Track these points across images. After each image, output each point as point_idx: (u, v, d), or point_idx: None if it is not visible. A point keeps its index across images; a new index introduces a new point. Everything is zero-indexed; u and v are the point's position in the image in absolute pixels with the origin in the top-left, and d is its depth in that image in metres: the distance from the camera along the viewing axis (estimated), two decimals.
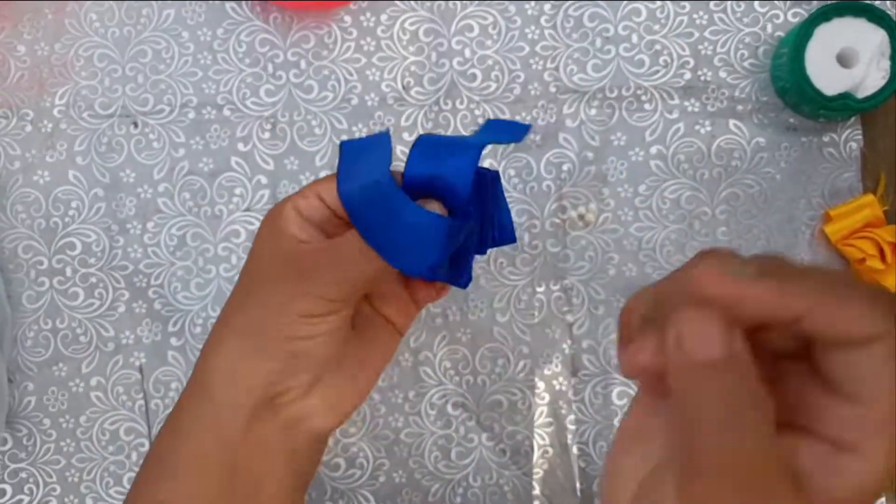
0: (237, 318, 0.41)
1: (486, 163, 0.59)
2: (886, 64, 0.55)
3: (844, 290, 0.26)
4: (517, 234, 0.58)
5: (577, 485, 0.58)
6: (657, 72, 0.59)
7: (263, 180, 0.59)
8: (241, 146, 0.60)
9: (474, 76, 0.60)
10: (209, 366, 0.41)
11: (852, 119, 0.58)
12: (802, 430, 0.27)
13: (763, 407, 0.26)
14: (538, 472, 0.58)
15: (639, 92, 0.59)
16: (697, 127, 0.59)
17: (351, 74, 0.60)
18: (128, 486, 0.59)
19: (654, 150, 0.59)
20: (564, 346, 0.58)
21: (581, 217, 0.59)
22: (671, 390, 0.27)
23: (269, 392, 0.40)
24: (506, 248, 0.58)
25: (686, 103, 0.59)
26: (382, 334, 0.45)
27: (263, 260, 0.41)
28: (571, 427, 0.58)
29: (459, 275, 0.44)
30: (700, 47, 0.59)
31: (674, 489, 0.27)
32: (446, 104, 0.59)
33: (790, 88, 0.57)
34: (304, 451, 0.42)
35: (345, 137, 0.60)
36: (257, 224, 0.59)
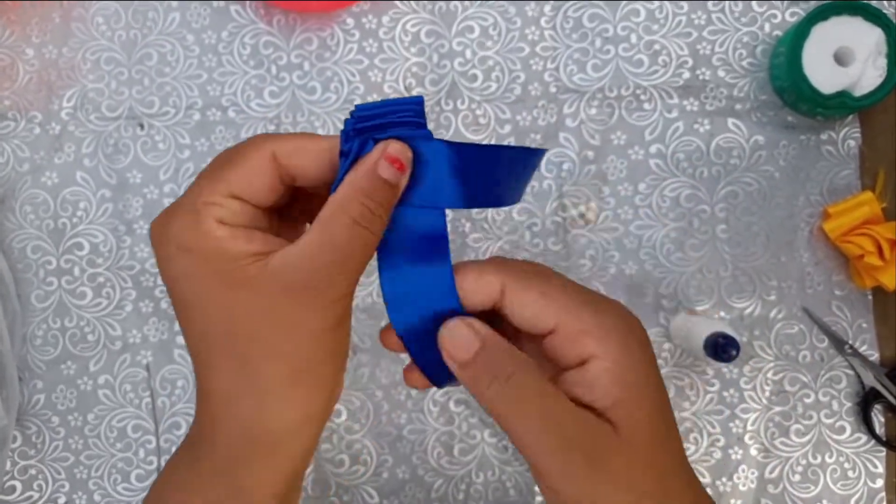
0: (264, 372, 0.33)
1: None
2: (883, 62, 0.56)
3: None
4: (519, 232, 0.59)
5: None
6: (656, 71, 0.60)
7: None
8: None
9: (475, 77, 0.60)
10: (268, 424, 0.34)
11: (850, 117, 0.59)
12: (561, 376, 0.33)
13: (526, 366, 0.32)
14: None
15: (638, 91, 0.60)
16: (696, 126, 0.59)
17: (353, 76, 0.61)
18: (135, 483, 0.60)
19: (653, 148, 0.59)
20: None
21: (582, 215, 0.59)
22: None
23: (331, 409, 0.36)
24: (506, 246, 0.59)
25: (685, 102, 0.59)
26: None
27: (227, 300, 0.32)
28: None
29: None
30: (698, 47, 0.60)
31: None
32: (448, 104, 0.60)
33: (788, 87, 0.57)
34: None
35: None
36: None
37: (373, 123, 0.32)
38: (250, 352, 0.32)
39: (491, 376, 0.32)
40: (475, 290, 0.33)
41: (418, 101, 0.33)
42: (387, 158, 0.31)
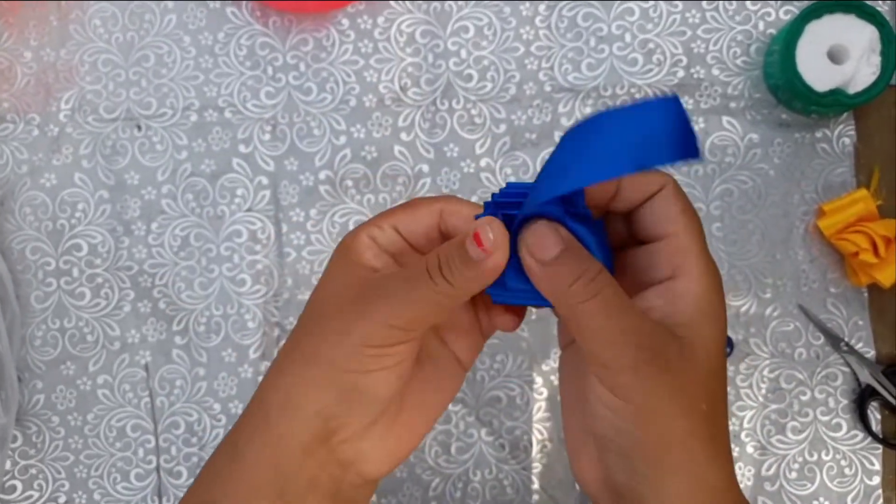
0: (300, 345, 0.38)
1: (482, 162, 0.60)
2: (877, 59, 0.56)
3: None
4: None
5: None
6: (650, 70, 0.60)
7: (264, 181, 0.61)
8: (242, 148, 0.61)
9: (470, 76, 0.60)
10: (267, 390, 0.38)
11: (845, 115, 0.59)
12: (648, 286, 0.35)
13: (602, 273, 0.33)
14: (537, 467, 0.59)
15: (633, 90, 0.60)
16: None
17: (349, 76, 0.61)
18: (135, 482, 0.60)
19: None
20: None
21: None
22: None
23: (325, 427, 0.37)
24: None
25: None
26: (447, 372, 0.40)
27: (333, 287, 0.38)
28: None
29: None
30: (693, 45, 0.60)
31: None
32: (443, 104, 0.60)
33: (782, 85, 0.57)
34: (351, 496, 0.39)
35: (343, 139, 0.61)
36: (259, 224, 0.60)
37: (511, 201, 0.34)
38: (309, 327, 0.38)
39: (573, 276, 0.33)
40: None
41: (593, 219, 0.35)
42: (473, 235, 0.34)
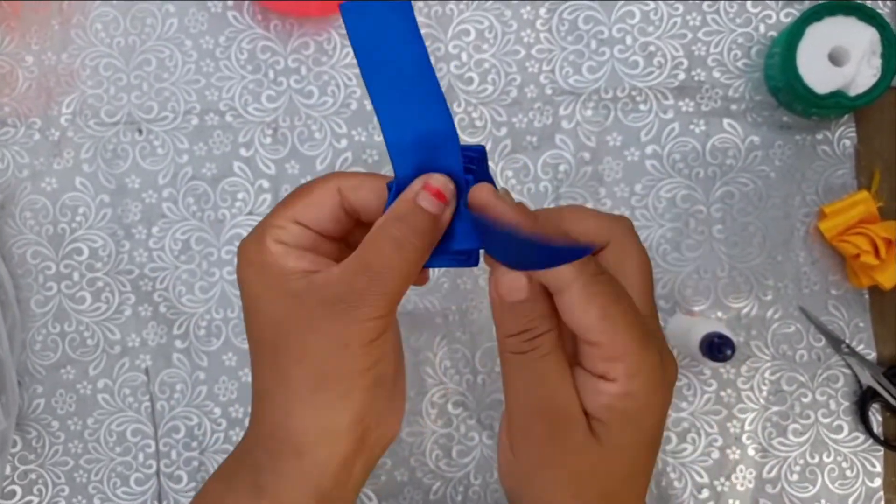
0: (289, 378, 0.36)
1: None
2: (877, 62, 0.56)
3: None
4: None
5: None
6: (651, 73, 0.60)
7: (265, 184, 0.61)
8: (243, 151, 0.61)
9: (471, 79, 0.61)
10: (292, 426, 0.36)
11: (845, 117, 0.59)
12: (580, 367, 0.35)
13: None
14: None
15: (633, 93, 0.60)
16: (692, 126, 0.60)
17: (350, 80, 0.61)
18: (134, 487, 0.60)
19: (649, 149, 0.60)
20: None
21: None
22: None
23: (362, 432, 0.37)
24: None
25: (680, 103, 0.60)
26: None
27: (280, 309, 0.36)
28: None
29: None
30: (693, 48, 0.60)
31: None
32: None
33: (783, 87, 0.57)
34: (377, 460, 0.40)
35: (345, 142, 0.61)
36: None
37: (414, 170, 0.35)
38: (285, 355, 0.36)
39: (518, 327, 0.34)
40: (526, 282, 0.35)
41: (479, 150, 0.36)
42: (427, 189, 0.34)
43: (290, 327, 0.36)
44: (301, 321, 0.35)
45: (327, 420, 0.36)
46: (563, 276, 0.33)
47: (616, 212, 0.59)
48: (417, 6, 0.61)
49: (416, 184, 0.35)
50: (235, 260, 0.60)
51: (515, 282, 0.34)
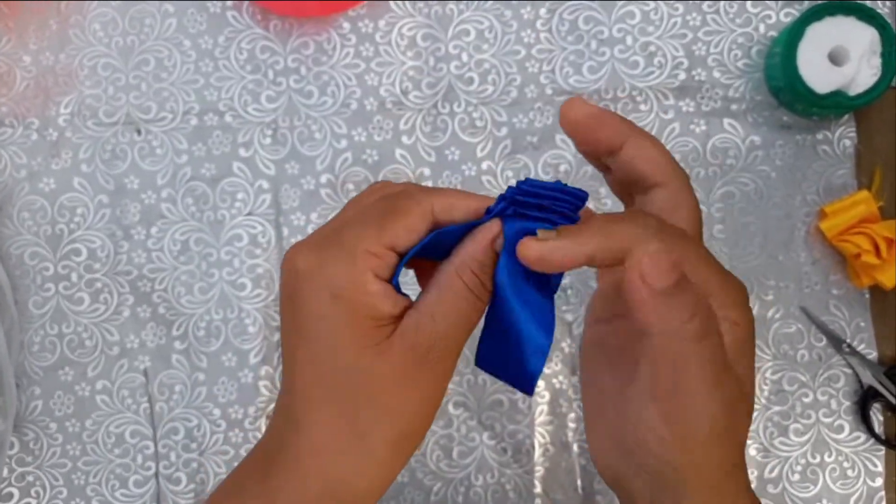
0: (374, 433, 0.33)
1: (483, 165, 0.60)
2: (877, 61, 0.56)
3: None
4: None
5: (579, 482, 0.58)
6: (652, 73, 0.60)
7: (265, 185, 0.60)
8: (242, 151, 0.61)
9: (471, 80, 0.60)
10: (361, 486, 0.34)
11: (846, 116, 0.59)
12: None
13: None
14: (539, 471, 0.59)
15: (634, 93, 0.60)
16: (692, 126, 0.60)
17: (350, 80, 0.61)
18: (133, 489, 0.59)
19: None
20: (564, 344, 0.59)
21: None
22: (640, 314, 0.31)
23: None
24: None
25: (681, 103, 0.60)
26: None
27: (361, 356, 0.32)
28: (572, 425, 0.59)
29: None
30: (694, 48, 0.60)
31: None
32: (444, 107, 0.60)
33: (783, 87, 0.57)
34: None
35: (344, 142, 0.60)
36: (259, 228, 0.60)
37: (529, 200, 0.33)
38: (364, 412, 0.33)
39: (690, 311, 0.31)
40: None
41: (582, 197, 0.33)
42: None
43: (370, 380, 0.32)
44: (385, 376, 0.32)
45: (396, 473, 0.34)
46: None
47: (617, 211, 0.59)
48: (417, 6, 0.61)
49: (495, 226, 0.33)
50: (236, 261, 0.60)
51: (661, 262, 0.31)
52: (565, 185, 0.33)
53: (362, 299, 0.32)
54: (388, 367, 0.32)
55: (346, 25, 0.61)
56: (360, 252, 0.32)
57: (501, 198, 0.33)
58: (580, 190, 0.33)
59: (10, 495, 0.60)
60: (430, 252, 0.34)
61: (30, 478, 0.60)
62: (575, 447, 0.58)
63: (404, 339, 0.32)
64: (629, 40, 0.60)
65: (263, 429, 0.59)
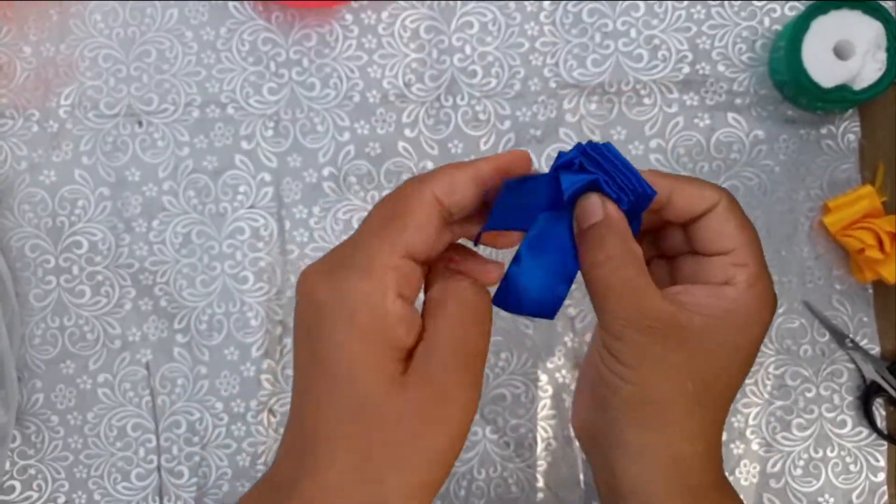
0: (391, 483, 0.31)
1: None
2: (882, 56, 0.56)
3: (685, 181, 0.37)
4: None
5: (581, 476, 0.58)
6: (656, 66, 0.60)
7: (267, 177, 0.60)
8: (244, 144, 0.60)
9: (475, 72, 0.60)
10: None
11: (850, 111, 0.59)
12: (686, 285, 0.38)
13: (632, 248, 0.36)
14: (542, 465, 0.59)
15: (638, 86, 0.60)
16: (696, 120, 0.59)
17: (353, 72, 0.60)
18: (135, 482, 0.59)
19: (653, 143, 0.59)
20: (567, 339, 0.59)
21: None
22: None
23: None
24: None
25: (685, 97, 0.59)
26: None
27: (378, 388, 0.30)
28: None
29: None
30: (698, 41, 0.60)
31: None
32: (447, 100, 0.60)
33: (788, 81, 0.57)
34: None
35: (347, 135, 0.60)
36: (262, 221, 0.59)
37: (603, 164, 0.35)
38: (380, 455, 0.31)
39: (597, 247, 0.35)
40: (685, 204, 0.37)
41: (650, 197, 0.36)
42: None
43: (391, 420, 0.31)
44: (401, 417, 0.31)
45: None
46: (710, 195, 0.36)
47: None
48: None
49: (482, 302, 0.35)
50: (238, 254, 0.60)
51: (591, 206, 0.35)
52: (642, 179, 0.36)
53: (380, 324, 0.30)
54: (403, 405, 0.30)
55: (349, 17, 0.61)
56: (376, 269, 0.30)
57: (577, 148, 0.35)
58: (651, 189, 0.36)
59: (13, 488, 0.60)
60: (500, 223, 0.35)
61: (32, 471, 0.60)
62: (577, 442, 0.58)
63: (419, 377, 0.30)
64: (633, 33, 0.60)
65: (265, 422, 0.59)
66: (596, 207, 0.35)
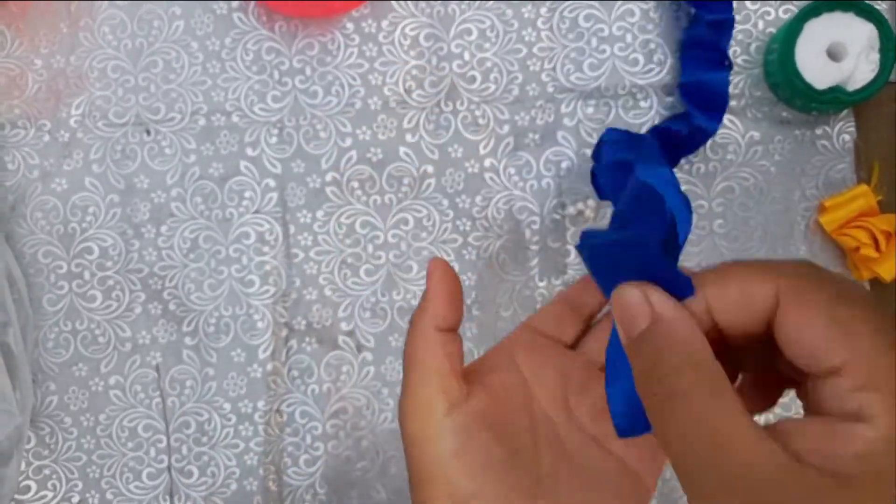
0: None
1: (486, 162, 0.61)
2: (875, 57, 0.56)
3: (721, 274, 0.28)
4: (520, 230, 0.60)
5: None
6: (651, 70, 0.61)
7: (272, 183, 0.61)
8: (249, 151, 0.62)
9: (474, 78, 0.61)
10: None
11: (844, 112, 0.60)
12: (795, 418, 0.26)
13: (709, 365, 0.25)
14: None
15: (634, 90, 0.61)
16: None
17: (354, 79, 0.62)
18: (147, 481, 0.61)
19: None
20: None
21: (580, 213, 0.60)
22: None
23: None
24: (508, 244, 0.60)
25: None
26: None
27: None
28: None
29: None
30: None
31: None
32: (447, 106, 0.61)
33: (782, 83, 0.58)
34: None
35: (349, 141, 0.61)
36: (267, 226, 0.61)
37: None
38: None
39: (651, 370, 0.25)
40: (735, 301, 0.26)
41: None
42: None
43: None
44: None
45: None
46: (759, 289, 0.26)
47: None
48: (420, 6, 0.62)
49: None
50: (244, 258, 0.62)
51: (631, 305, 0.26)
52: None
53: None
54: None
55: (350, 26, 0.62)
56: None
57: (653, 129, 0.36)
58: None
59: (28, 488, 0.61)
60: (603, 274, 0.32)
61: (46, 471, 0.61)
62: None
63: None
64: (629, 38, 0.61)
65: (272, 422, 0.60)
66: (637, 303, 0.25)
